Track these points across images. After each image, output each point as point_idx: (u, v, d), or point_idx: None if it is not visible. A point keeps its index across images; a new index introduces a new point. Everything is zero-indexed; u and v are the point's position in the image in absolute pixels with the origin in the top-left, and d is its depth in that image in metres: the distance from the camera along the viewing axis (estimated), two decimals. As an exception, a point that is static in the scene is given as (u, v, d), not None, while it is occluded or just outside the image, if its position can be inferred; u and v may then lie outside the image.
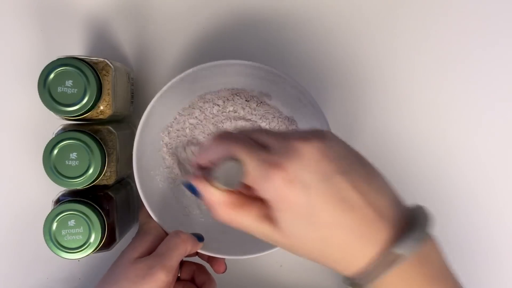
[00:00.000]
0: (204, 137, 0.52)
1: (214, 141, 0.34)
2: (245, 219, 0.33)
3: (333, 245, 0.32)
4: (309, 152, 0.31)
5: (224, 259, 0.48)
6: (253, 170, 0.31)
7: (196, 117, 0.52)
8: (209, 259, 0.48)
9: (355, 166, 0.32)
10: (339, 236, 0.32)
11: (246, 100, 0.52)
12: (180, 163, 0.52)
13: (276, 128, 0.52)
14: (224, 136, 0.34)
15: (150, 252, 0.43)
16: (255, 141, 0.33)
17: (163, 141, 0.51)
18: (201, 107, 0.52)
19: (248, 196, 0.34)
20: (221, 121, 0.52)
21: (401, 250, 0.31)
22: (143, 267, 0.41)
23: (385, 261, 0.31)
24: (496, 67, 0.55)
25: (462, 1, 0.55)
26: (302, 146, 0.31)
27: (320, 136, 0.32)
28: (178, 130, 0.52)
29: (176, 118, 0.51)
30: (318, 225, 0.31)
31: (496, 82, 0.56)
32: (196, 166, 0.36)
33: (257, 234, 0.34)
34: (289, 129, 0.52)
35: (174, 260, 0.42)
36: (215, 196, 0.33)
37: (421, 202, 0.35)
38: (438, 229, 0.38)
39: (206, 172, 0.34)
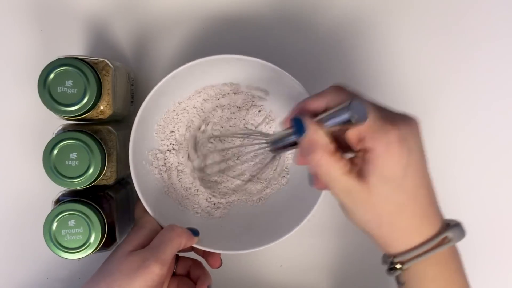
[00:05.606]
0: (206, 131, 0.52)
1: (335, 89, 0.37)
2: (335, 169, 0.36)
3: (404, 215, 0.36)
4: (416, 124, 0.36)
5: (219, 254, 0.48)
6: (375, 121, 0.35)
7: (192, 111, 0.52)
8: (204, 254, 0.48)
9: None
10: (414, 207, 0.36)
11: (244, 96, 0.52)
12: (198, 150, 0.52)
13: (274, 123, 0.52)
14: (346, 88, 0.37)
15: (144, 245, 0.43)
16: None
17: (159, 136, 0.51)
18: (197, 101, 0.52)
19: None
20: (219, 115, 0.52)
21: (451, 235, 0.37)
22: (137, 260, 0.41)
23: (434, 242, 0.36)
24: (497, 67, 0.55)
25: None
26: (411, 118, 0.36)
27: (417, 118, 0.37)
28: (175, 125, 0.52)
29: (172, 112, 0.51)
30: (403, 189, 0.35)
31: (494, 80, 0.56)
32: (302, 110, 0.38)
33: (339, 186, 0.36)
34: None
35: (168, 254, 0.42)
36: (321, 138, 0.36)
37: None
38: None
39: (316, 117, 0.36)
